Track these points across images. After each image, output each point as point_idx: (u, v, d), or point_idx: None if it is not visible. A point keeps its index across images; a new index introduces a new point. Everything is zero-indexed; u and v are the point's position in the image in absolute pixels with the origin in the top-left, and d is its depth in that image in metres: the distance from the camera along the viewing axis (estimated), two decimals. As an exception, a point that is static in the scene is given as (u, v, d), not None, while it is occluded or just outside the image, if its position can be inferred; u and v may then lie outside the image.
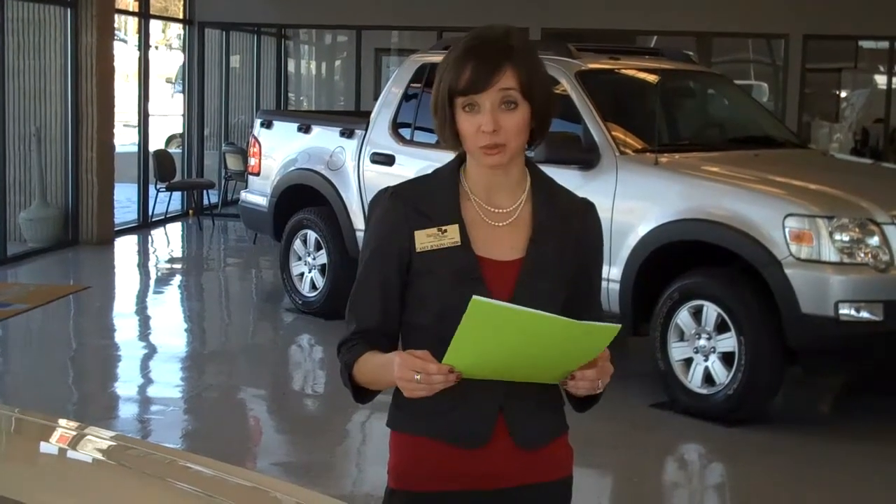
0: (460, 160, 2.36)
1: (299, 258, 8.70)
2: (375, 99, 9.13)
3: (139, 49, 13.56)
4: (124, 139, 13.95)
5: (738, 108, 8.49)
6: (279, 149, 9.03)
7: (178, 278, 10.79)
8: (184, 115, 14.62)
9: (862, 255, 5.88)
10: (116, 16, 12.60)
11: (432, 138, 7.20)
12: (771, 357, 6.04)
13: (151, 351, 7.85)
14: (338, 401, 6.39)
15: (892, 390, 7.07)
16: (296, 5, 14.41)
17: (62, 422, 2.75)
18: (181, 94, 14.77)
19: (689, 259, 6.40)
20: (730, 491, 5.64)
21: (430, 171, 2.41)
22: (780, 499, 5.37)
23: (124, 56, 15.20)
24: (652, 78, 7.83)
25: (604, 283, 6.37)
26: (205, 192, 14.06)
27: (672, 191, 6.50)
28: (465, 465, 2.31)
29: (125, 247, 12.01)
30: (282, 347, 8.21)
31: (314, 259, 8.59)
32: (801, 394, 7.10)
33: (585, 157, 6.72)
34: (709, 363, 6.22)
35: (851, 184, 6.62)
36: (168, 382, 7.04)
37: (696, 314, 6.26)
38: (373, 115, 8.31)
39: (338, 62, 17.25)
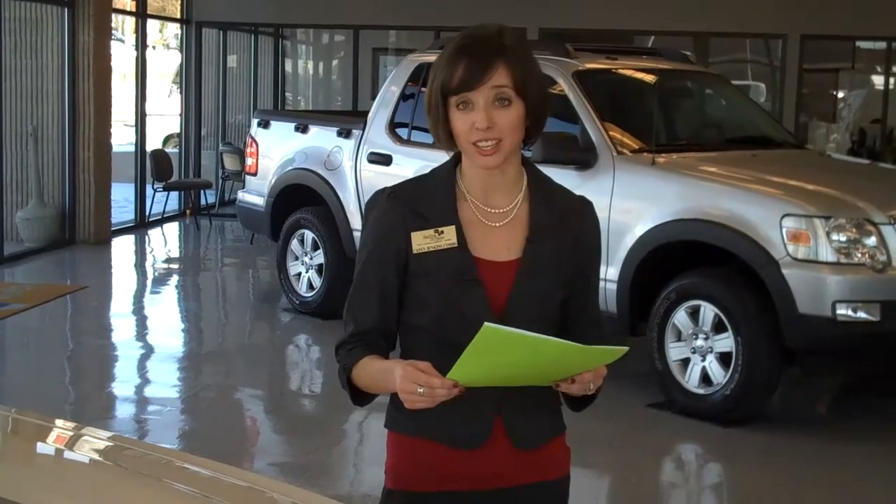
0: (456, 161, 2.36)
1: (296, 258, 8.70)
2: (373, 99, 9.13)
3: (136, 49, 13.55)
4: (121, 139, 13.92)
5: (736, 109, 8.49)
6: (276, 149, 9.02)
7: (175, 278, 10.78)
8: (181, 115, 14.61)
9: (859, 255, 5.88)
10: (114, 15, 12.59)
11: (429, 138, 7.17)
12: (768, 357, 6.04)
13: (148, 351, 7.84)
14: (335, 401, 6.38)
15: (889, 390, 7.08)
16: (293, 5, 14.41)
17: (59, 422, 2.74)
18: (180, 94, 14.75)
19: (687, 259, 6.40)
20: (727, 491, 5.64)
21: (427, 172, 2.41)
22: (778, 499, 5.37)
23: (121, 56, 15.17)
24: (649, 78, 7.83)
25: (601, 284, 6.34)
26: (202, 191, 14.05)
27: (669, 191, 6.50)
28: (463, 465, 2.31)
29: (122, 247, 12.00)
30: (279, 347, 8.21)
31: (311, 259, 8.58)
32: (798, 394, 7.10)
33: (583, 157, 6.72)
34: (706, 363, 6.23)
35: (848, 184, 6.63)
36: (165, 382, 7.04)
37: (694, 314, 6.26)
38: (370, 114, 8.30)
39: (335, 62, 17.24)
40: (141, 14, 13.45)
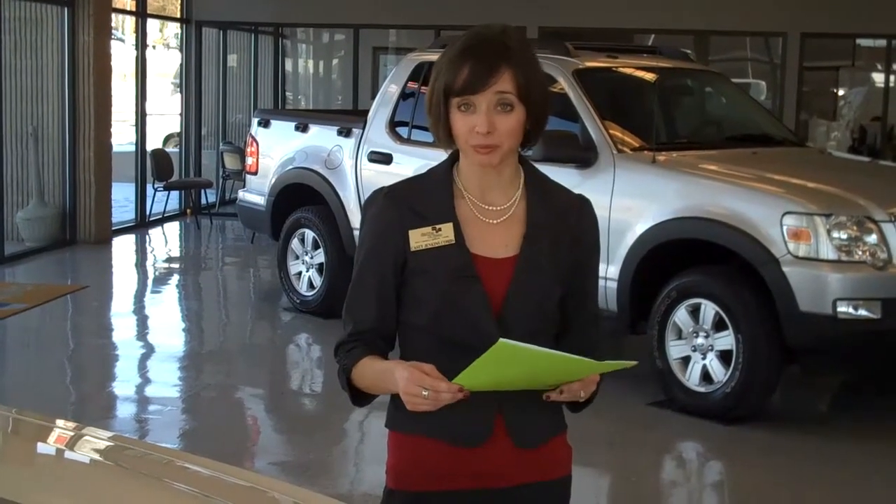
0: (453, 159, 2.36)
1: (297, 257, 8.70)
2: (373, 98, 9.13)
3: (136, 48, 13.55)
4: (122, 138, 13.92)
5: (736, 107, 8.49)
6: (277, 148, 9.02)
7: (175, 278, 10.78)
8: (181, 115, 14.61)
9: (860, 252, 5.87)
10: (114, 15, 12.59)
11: (430, 137, 7.18)
12: (769, 355, 6.04)
13: (149, 350, 7.84)
14: (336, 400, 6.37)
15: (890, 388, 7.08)
16: (293, 4, 14.41)
17: (59, 422, 2.74)
18: (180, 93, 14.75)
19: (687, 257, 6.39)
20: (728, 489, 5.64)
21: (424, 171, 2.41)
22: (778, 497, 5.37)
23: (122, 55, 15.17)
24: (650, 76, 7.83)
25: (602, 282, 6.36)
26: (202, 191, 14.05)
27: (670, 189, 6.50)
28: (464, 464, 2.30)
29: (123, 246, 12.00)
30: (280, 346, 8.21)
31: (312, 258, 8.58)
32: (799, 392, 7.09)
33: (583, 155, 6.72)
34: (707, 361, 6.22)
35: (849, 182, 6.63)
36: (166, 382, 7.04)
37: (694, 312, 6.26)
38: (370, 113, 8.30)
39: (335, 61, 17.24)
40: (141, 13, 13.45)
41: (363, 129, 8.24)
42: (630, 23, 13.54)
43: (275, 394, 6.98)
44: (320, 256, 8.50)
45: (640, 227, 6.46)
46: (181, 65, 14.64)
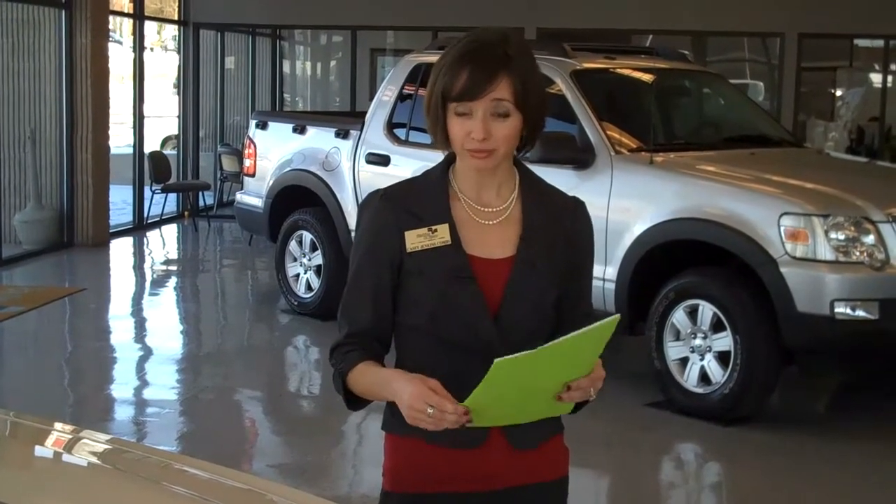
0: (449, 161, 2.36)
1: (295, 259, 8.70)
2: (371, 99, 9.13)
3: (134, 50, 13.55)
4: (119, 141, 13.92)
5: (734, 107, 8.49)
6: (274, 150, 9.02)
7: (173, 280, 10.77)
8: (179, 117, 14.61)
9: (857, 253, 5.87)
10: (111, 17, 12.59)
11: (427, 138, 7.17)
12: (767, 356, 6.04)
13: (147, 353, 7.84)
14: (333, 402, 6.35)
15: (888, 389, 7.08)
16: (291, 6, 14.40)
17: (57, 425, 2.74)
18: (178, 95, 14.74)
19: (685, 258, 6.39)
20: (726, 490, 5.64)
21: (420, 173, 2.41)
22: (777, 498, 5.37)
23: (119, 57, 15.16)
24: (647, 77, 7.83)
25: (599, 283, 6.36)
26: (200, 193, 14.05)
27: (667, 190, 6.50)
28: (461, 466, 2.30)
29: (120, 249, 12.00)
30: (278, 349, 8.21)
31: (310, 260, 8.58)
32: (797, 393, 7.10)
33: (581, 156, 6.72)
34: (705, 362, 6.22)
35: (847, 182, 6.63)
36: (164, 384, 7.03)
37: (692, 313, 6.26)
38: (368, 115, 8.30)
39: (333, 62, 17.25)
40: (138, 16, 13.45)
41: (361, 130, 8.24)
42: (628, 24, 13.54)
43: (273, 396, 6.98)
44: (318, 258, 8.50)
45: (637, 229, 6.46)
46: (179, 67, 14.64)
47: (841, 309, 5.78)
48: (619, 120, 7.23)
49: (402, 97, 8.07)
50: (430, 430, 2.13)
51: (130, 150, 13.50)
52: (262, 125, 9.29)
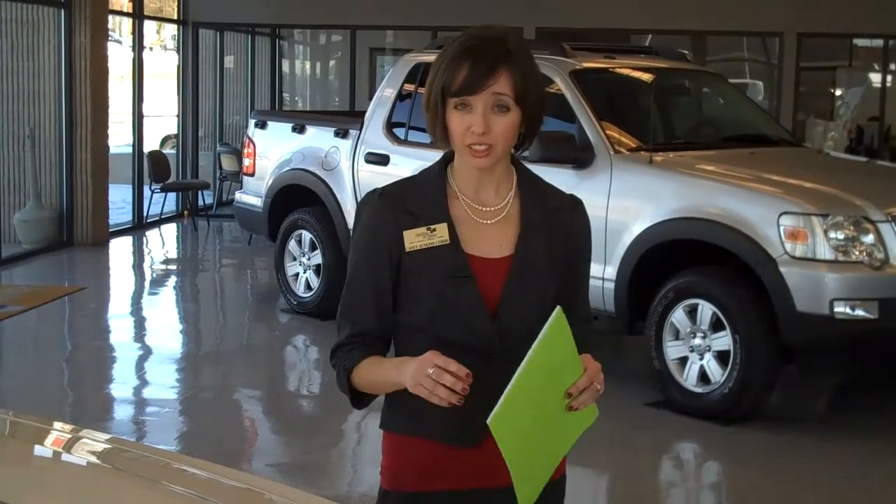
0: (447, 160, 2.36)
1: (294, 259, 8.70)
2: (370, 99, 9.13)
3: (133, 50, 13.54)
4: (119, 140, 13.92)
5: (733, 107, 8.49)
6: (274, 149, 9.02)
7: (173, 279, 10.77)
8: (178, 116, 14.61)
9: (857, 253, 5.88)
10: (110, 16, 12.58)
11: (427, 138, 7.16)
12: (766, 355, 6.04)
13: (147, 352, 7.84)
14: (333, 401, 6.38)
15: (887, 388, 7.08)
16: (290, 5, 14.40)
17: (57, 424, 2.74)
18: (177, 95, 14.73)
19: (685, 258, 6.39)
20: (725, 489, 5.64)
21: (418, 172, 2.41)
22: (776, 497, 5.37)
23: (118, 57, 15.16)
24: (647, 77, 7.82)
25: (599, 282, 6.37)
26: (199, 192, 14.04)
27: (667, 189, 6.50)
28: (459, 464, 2.31)
29: (120, 248, 11.99)
30: (277, 348, 8.21)
31: (309, 259, 8.58)
32: (796, 392, 7.09)
33: (580, 156, 6.72)
34: (704, 362, 6.23)
35: (846, 182, 6.63)
36: (163, 384, 7.03)
37: (692, 313, 6.26)
38: (367, 114, 8.30)
39: (332, 62, 17.24)
40: (137, 15, 13.44)
41: (360, 130, 8.24)
42: (627, 23, 13.54)
43: (272, 395, 6.98)
44: (317, 258, 8.50)
45: (637, 228, 6.46)
46: (178, 66, 14.64)
47: (840, 308, 5.79)
48: (618, 119, 7.23)
49: (401, 97, 8.07)
50: (425, 392, 2.11)
51: (130, 150, 13.50)
52: (262, 124, 9.29)
